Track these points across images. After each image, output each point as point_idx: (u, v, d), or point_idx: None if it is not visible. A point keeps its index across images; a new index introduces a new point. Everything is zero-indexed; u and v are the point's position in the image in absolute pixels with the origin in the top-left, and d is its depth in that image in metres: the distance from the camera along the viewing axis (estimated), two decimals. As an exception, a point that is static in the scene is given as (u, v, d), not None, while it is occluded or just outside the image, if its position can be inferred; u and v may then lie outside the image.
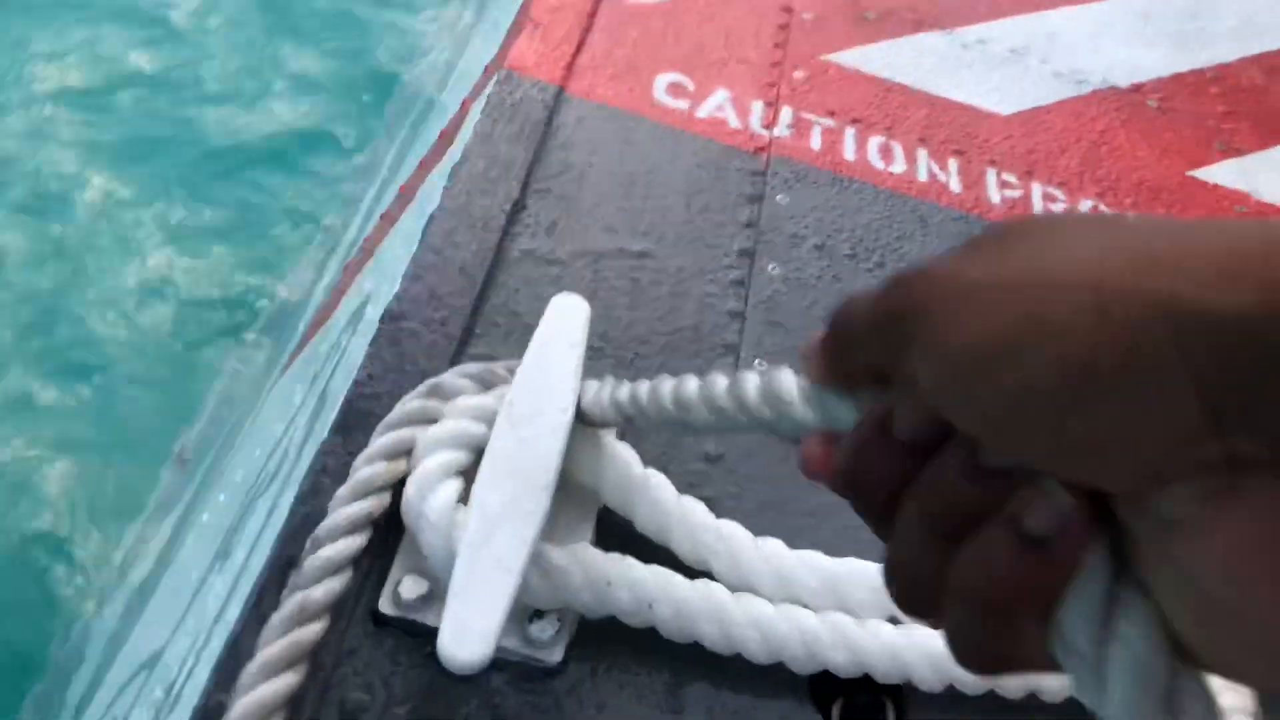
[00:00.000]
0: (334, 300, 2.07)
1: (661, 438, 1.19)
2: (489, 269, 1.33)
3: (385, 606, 0.93)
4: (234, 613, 0.95)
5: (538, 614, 0.96)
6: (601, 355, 1.27)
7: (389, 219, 2.11)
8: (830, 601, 1.01)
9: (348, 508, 0.92)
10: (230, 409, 2.42)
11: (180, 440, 2.32)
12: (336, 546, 0.89)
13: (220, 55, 3.12)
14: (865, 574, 1.03)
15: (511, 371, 1.15)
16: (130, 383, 2.40)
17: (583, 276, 1.37)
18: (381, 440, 1.00)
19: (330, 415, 1.14)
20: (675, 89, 1.73)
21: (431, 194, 1.61)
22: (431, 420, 1.06)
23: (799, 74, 1.82)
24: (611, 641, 0.99)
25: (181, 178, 2.80)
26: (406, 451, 1.00)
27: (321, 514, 0.96)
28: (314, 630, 0.84)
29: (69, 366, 2.41)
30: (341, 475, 1.00)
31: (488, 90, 1.64)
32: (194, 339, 2.55)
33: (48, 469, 2.24)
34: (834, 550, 1.05)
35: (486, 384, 1.14)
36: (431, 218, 1.38)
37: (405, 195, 2.10)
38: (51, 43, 3.02)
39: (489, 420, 1.06)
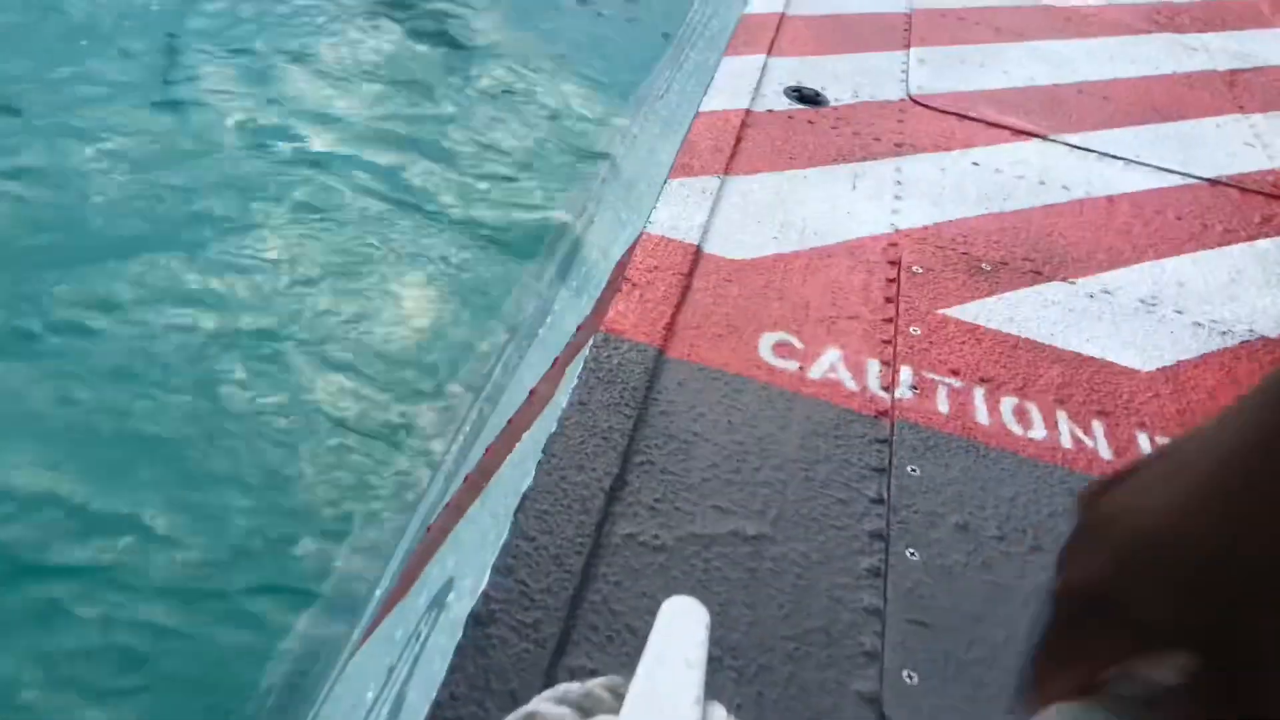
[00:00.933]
0: (411, 573, 1.92)
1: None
2: (587, 558, 1.17)
3: None
4: None
5: None
6: (719, 666, 1.08)
7: (474, 483, 1.98)
8: None
9: None
10: (295, 685, 2.24)
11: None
12: None
13: (305, 312, 3.15)
14: None
15: (613, 692, 0.96)
16: (179, 661, 2.24)
17: (692, 567, 1.20)
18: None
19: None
20: (783, 349, 1.61)
21: (522, 463, 1.48)
22: (523, 765, 0.87)
23: (915, 330, 1.69)
24: None
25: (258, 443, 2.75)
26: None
27: None
28: None
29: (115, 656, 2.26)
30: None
31: (584, 353, 1.54)
32: (261, 604, 2.40)
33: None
34: None
35: (586, 710, 0.96)
36: (525, 497, 1.24)
37: (492, 458, 1.98)
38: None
39: (592, 766, 0.86)
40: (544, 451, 1.30)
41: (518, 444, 1.68)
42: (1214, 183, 2.37)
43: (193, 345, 2.98)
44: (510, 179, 3.81)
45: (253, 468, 2.69)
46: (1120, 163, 2.40)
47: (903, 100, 2.47)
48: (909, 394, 1.54)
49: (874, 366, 1.59)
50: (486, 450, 2.12)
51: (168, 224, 3.40)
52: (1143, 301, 1.88)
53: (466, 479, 2.17)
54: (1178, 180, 2.37)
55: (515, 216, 3.69)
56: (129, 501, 2.54)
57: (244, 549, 2.57)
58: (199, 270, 3.24)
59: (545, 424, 1.44)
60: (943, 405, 1.53)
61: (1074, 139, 2.46)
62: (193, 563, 2.50)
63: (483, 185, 3.80)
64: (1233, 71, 3.05)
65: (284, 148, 3.86)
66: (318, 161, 3.81)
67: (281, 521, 2.63)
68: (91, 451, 2.65)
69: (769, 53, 2.51)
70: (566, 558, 1.16)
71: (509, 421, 2.05)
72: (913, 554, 1.25)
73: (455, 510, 2.03)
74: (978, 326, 1.73)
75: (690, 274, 1.71)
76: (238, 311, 3.08)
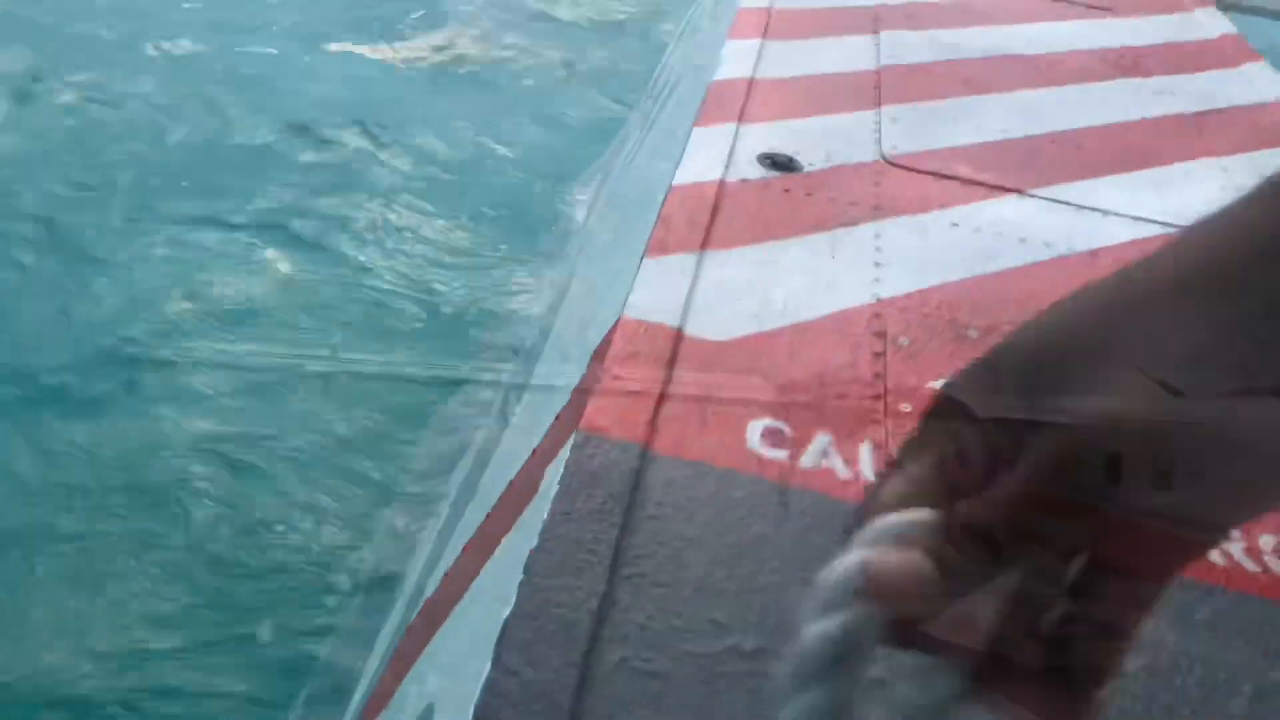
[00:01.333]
0: (389, 683, 1.82)
1: None
2: (575, 692, 1.09)
3: None
4: None
5: None
6: (725, 809, 0.99)
7: (452, 584, 1.89)
8: None
9: None
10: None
11: None
12: None
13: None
14: None
15: None
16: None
17: (690, 692, 1.11)
18: None
19: None
20: (772, 436, 1.54)
21: (502, 580, 1.40)
22: None
23: (906, 408, 1.63)
24: None
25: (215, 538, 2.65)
26: None
27: None
28: None
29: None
30: None
31: (564, 454, 1.46)
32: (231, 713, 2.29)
33: None
34: None
35: None
36: (506, 625, 1.15)
37: (473, 554, 1.89)
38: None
39: None
40: (525, 571, 1.22)
41: (497, 548, 1.60)
42: (1195, 232, 2.33)
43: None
44: (473, 252, 3.76)
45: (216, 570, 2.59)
46: (1098, 214, 2.36)
47: (877, 161, 2.43)
48: (905, 480, 1.47)
49: (866, 450, 1.53)
50: (464, 547, 2.03)
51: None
52: (1136, 363, 1.82)
53: (446, 576, 2.08)
54: (1157, 230, 2.33)
55: (478, 288, 3.63)
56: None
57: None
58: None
59: (525, 535, 1.36)
60: (942, 491, 1.46)
61: (1051, 192, 2.43)
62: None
63: (445, 256, 3.75)
64: (1201, 114, 3.05)
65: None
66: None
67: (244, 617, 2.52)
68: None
69: (740, 119, 2.47)
70: (554, 693, 1.08)
71: (487, 516, 1.97)
72: (922, 663, 1.18)
73: (432, 616, 1.94)
74: (970, 401, 1.67)
75: (672, 360, 1.65)
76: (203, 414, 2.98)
